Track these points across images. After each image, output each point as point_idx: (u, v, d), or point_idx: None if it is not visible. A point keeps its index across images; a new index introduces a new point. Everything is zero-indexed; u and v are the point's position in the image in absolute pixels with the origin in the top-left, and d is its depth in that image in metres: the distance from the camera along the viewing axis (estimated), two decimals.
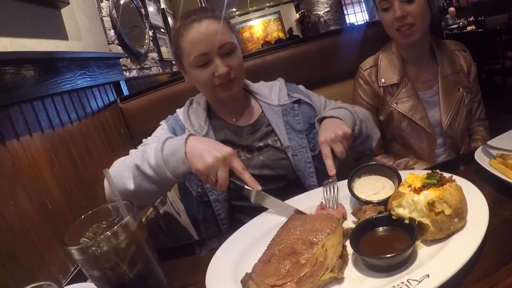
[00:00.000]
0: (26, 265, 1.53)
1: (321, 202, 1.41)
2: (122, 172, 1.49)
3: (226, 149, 1.40)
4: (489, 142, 1.51)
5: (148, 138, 1.82)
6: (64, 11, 2.53)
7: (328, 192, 1.43)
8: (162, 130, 1.84)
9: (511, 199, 1.22)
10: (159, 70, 5.17)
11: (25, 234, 1.57)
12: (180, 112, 1.89)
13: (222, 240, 1.34)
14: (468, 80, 2.23)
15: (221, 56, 1.66)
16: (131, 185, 1.46)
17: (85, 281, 1.32)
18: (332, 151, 1.53)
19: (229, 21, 1.75)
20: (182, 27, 1.67)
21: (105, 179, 1.52)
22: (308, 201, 1.47)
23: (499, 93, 6.33)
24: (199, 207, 1.80)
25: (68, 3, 2.51)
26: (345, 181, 1.41)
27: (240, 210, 1.74)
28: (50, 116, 1.91)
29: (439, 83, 2.18)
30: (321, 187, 1.49)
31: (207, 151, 1.38)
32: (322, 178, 1.64)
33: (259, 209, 1.47)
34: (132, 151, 1.69)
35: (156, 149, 1.44)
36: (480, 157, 1.43)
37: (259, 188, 1.40)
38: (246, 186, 1.41)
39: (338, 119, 1.68)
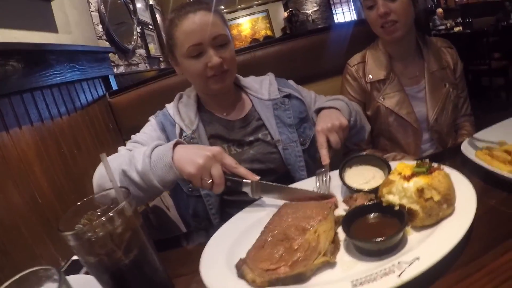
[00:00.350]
0: (16, 259, 1.52)
1: (313, 191, 1.42)
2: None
3: (215, 148, 1.38)
4: (475, 135, 1.56)
5: (137, 134, 1.81)
6: (54, 4, 2.53)
7: (321, 181, 1.45)
8: (151, 126, 1.83)
9: (496, 189, 1.26)
10: (146, 66, 5.15)
11: (14, 228, 1.57)
12: (169, 106, 1.89)
13: (212, 232, 1.34)
14: (454, 76, 2.27)
15: (215, 48, 1.66)
16: None
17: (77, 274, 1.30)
18: (328, 141, 1.55)
19: (223, 15, 1.76)
20: (176, 17, 1.68)
21: (98, 167, 1.54)
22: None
23: (485, 93, 6.43)
24: (190, 202, 1.79)
25: None
26: (337, 171, 1.44)
27: (232, 204, 1.73)
28: (39, 109, 1.90)
29: (425, 78, 2.21)
30: (314, 177, 1.51)
31: (195, 154, 1.35)
32: (312, 172, 1.67)
33: (250, 203, 1.47)
34: (120, 149, 1.68)
35: (144, 155, 1.41)
36: (466, 149, 1.47)
37: (257, 178, 1.40)
38: (243, 180, 1.40)
39: (335, 109, 1.70)
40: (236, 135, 1.82)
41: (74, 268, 1.36)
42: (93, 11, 3.54)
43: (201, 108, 1.88)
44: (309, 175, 1.77)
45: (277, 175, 1.79)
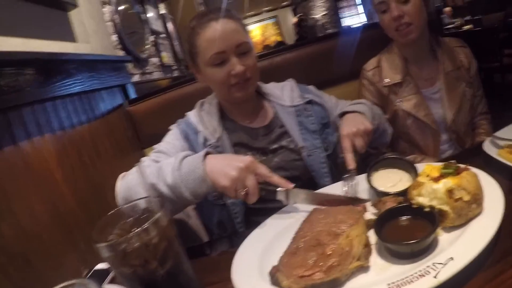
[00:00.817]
0: (38, 268, 1.52)
1: (346, 195, 1.43)
2: (136, 187, 1.43)
3: (247, 158, 1.36)
4: (496, 134, 1.56)
5: (160, 143, 1.79)
6: (72, 14, 2.56)
7: (348, 185, 1.46)
8: (173, 135, 1.81)
9: None
10: (160, 75, 5.18)
11: (37, 236, 1.56)
12: (191, 114, 1.87)
13: (237, 240, 1.34)
14: (469, 75, 2.26)
15: (238, 55, 1.65)
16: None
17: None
18: (353, 146, 1.56)
19: (243, 22, 1.76)
20: (197, 25, 1.67)
21: (123, 179, 1.55)
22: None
23: (498, 90, 6.38)
24: (214, 211, 1.78)
25: (76, 6, 2.53)
26: (363, 175, 1.45)
27: (257, 212, 1.68)
28: (61, 117, 1.91)
29: (441, 79, 2.21)
30: (340, 182, 1.52)
31: (228, 165, 1.33)
32: (335, 178, 1.70)
33: (275, 210, 1.48)
34: (144, 159, 1.66)
35: (173, 168, 1.39)
36: (488, 148, 1.48)
37: (292, 185, 1.40)
38: (278, 189, 1.40)
39: (359, 113, 1.72)
40: (260, 143, 1.81)
41: (97, 278, 1.37)
42: (107, 21, 3.57)
43: (224, 116, 1.86)
44: (333, 181, 1.77)
45: (302, 182, 1.75)
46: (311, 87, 2.08)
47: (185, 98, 2.40)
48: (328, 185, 1.70)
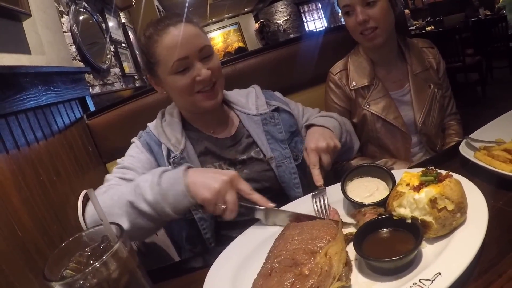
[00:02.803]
0: None
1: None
2: (111, 208, 1.34)
3: (230, 172, 1.33)
4: (471, 136, 1.52)
5: (123, 158, 1.70)
6: (26, 24, 2.43)
7: (318, 202, 1.39)
8: (137, 148, 1.72)
9: (501, 189, 1.23)
10: (122, 85, 5.07)
11: None
12: (152, 126, 1.79)
13: (209, 257, 1.28)
14: (438, 76, 2.25)
15: (201, 60, 1.58)
16: (124, 223, 1.32)
17: None
18: (319, 161, 1.51)
19: (201, 26, 1.68)
20: (155, 33, 1.58)
21: (81, 202, 1.45)
22: (299, 209, 1.41)
23: (462, 89, 6.52)
24: (183, 226, 1.71)
25: (30, 15, 2.41)
26: (337, 185, 1.39)
27: (227, 226, 1.65)
28: (15, 135, 1.80)
29: (409, 81, 2.18)
30: (310, 196, 1.44)
31: (211, 178, 1.30)
32: (306, 188, 1.65)
33: (246, 224, 1.41)
34: (108, 178, 1.58)
35: (152, 183, 1.33)
36: (464, 151, 1.44)
37: (272, 205, 1.35)
38: (256, 207, 1.34)
39: (328, 129, 1.67)
40: (227, 154, 1.73)
41: None
42: (65, 32, 3.45)
43: (187, 126, 1.78)
44: (304, 190, 1.72)
45: (272, 193, 1.67)
46: (277, 94, 2.01)
47: (147, 108, 2.32)
48: (299, 195, 1.66)
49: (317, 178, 1.46)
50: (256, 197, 1.33)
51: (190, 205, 1.33)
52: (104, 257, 0.83)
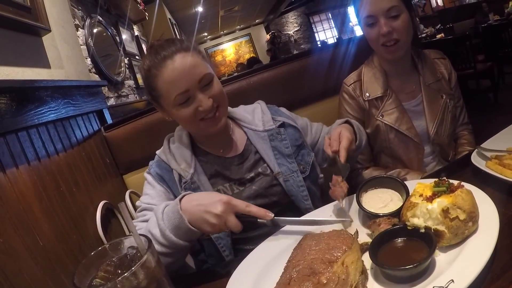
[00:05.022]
0: None
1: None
2: None
3: (221, 200, 1.33)
4: (482, 145, 1.55)
5: (141, 199, 1.72)
6: (46, 39, 2.48)
7: (342, 204, 1.41)
8: (149, 184, 1.74)
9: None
10: (136, 97, 5.11)
11: (16, 274, 1.48)
12: (161, 153, 1.81)
13: (228, 268, 1.31)
14: (450, 87, 2.26)
15: (202, 89, 1.58)
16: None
17: None
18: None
19: (199, 49, 1.68)
20: (153, 66, 1.58)
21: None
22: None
23: (473, 96, 6.49)
24: (202, 245, 1.75)
25: (49, 30, 2.45)
26: (352, 197, 1.42)
27: (244, 241, 1.68)
28: (36, 147, 1.84)
29: (422, 92, 2.20)
30: (328, 206, 1.49)
31: (205, 212, 1.32)
32: (316, 200, 1.70)
33: (262, 237, 1.44)
34: (135, 225, 1.57)
35: (161, 230, 1.38)
36: (476, 160, 1.46)
37: (271, 215, 1.35)
38: (258, 220, 1.36)
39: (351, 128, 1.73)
40: (236, 173, 1.76)
41: None
42: (81, 45, 3.51)
43: (195, 149, 1.79)
44: (314, 204, 1.74)
45: (281, 207, 1.73)
46: (282, 109, 2.03)
47: (162, 122, 2.35)
48: (308, 207, 1.70)
49: (343, 154, 1.46)
50: (254, 210, 1.35)
51: (199, 235, 1.39)
52: (133, 267, 0.86)
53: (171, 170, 1.72)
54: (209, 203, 1.33)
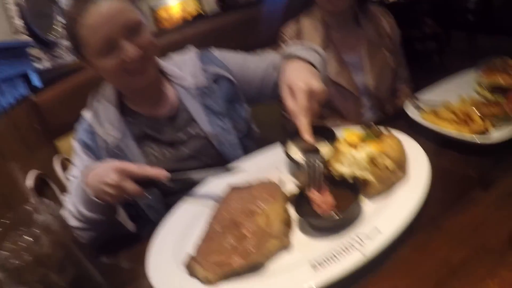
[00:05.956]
0: None
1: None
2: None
3: (113, 167, 1.25)
4: (418, 97, 1.55)
5: (71, 169, 1.63)
6: None
7: (310, 166, 1.15)
8: (76, 154, 1.63)
9: (446, 149, 1.25)
10: (73, 58, 4.87)
11: None
12: (87, 113, 1.66)
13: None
14: (391, 43, 2.24)
15: (128, 37, 1.42)
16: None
17: None
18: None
19: None
20: (75, 13, 1.41)
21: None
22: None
23: (419, 58, 6.61)
24: (132, 209, 1.68)
25: None
26: (278, 145, 1.36)
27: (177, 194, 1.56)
28: None
29: (363, 47, 2.17)
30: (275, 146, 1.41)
31: (101, 183, 1.25)
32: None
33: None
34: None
35: (74, 205, 1.36)
36: (410, 111, 1.46)
37: (167, 174, 1.28)
38: (157, 181, 1.30)
39: (315, 68, 1.42)
40: (167, 135, 1.64)
41: None
42: (8, 4, 3.27)
43: (124, 108, 1.65)
44: None
45: None
46: (214, 52, 1.81)
47: (96, 80, 2.22)
48: None
49: (307, 131, 1.16)
50: (149, 171, 1.28)
51: (112, 207, 1.38)
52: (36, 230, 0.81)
53: (95, 135, 1.60)
54: (103, 173, 1.26)
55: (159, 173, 1.26)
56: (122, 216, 1.78)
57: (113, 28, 1.38)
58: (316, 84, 1.22)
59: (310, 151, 1.16)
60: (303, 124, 1.16)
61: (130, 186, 1.24)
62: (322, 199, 1.00)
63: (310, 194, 1.03)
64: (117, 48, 1.40)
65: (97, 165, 1.33)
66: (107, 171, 1.24)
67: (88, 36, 1.40)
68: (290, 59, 1.45)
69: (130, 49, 1.40)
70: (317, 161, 1.12)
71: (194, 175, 1.32)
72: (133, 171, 1.24)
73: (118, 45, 1.40)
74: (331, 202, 1.00)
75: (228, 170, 1.28)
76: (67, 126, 1.71)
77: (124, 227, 1.75)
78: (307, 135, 1.15)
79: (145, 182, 1.26)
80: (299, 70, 1.35)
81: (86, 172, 1.33)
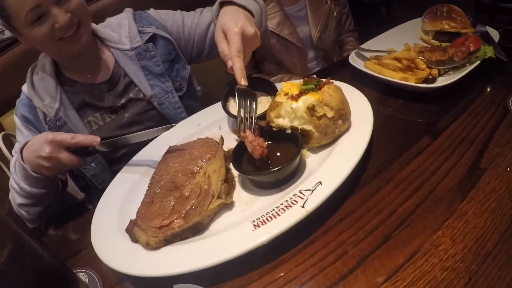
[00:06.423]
0: None
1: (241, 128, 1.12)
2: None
3: (46, 140, 1.21)
4: (362, 46, 1.53)
5: (16, 145, 1.55)
6: None
7: (244, 111, 1.14)
8: (18, 129, 1.58)
9: (390, 97, 1.25)
10: (9, 33, 4.61)
11: None
12: (25, 87, 1.58)
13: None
14: None
15: (57, 3, 1.34)
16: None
17: None
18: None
19: None
20: None
21: None
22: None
23: (366, 9, 6.61)
24: (81, 181, 1.67)
25: None
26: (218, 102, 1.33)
27: (119, 160, 1.56)
28: None
29: None
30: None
31: (37, 157, 1.23)
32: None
33: (133, 153, 1.36)
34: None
35: (16, 182, 1.35)
36: (354, 60, 1.44)
37: (98, 139, 1.23)
38: (89, 148, 1.25)
39: (249, 12, 1.36)
40: (106, 101, 1.59)
41: None
42: None
43: (61, 77, 1.58)
44: None
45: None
46: (151, 12, 1.74)
47: (34, 51, 2.11)
48: None
49: (242, 73, 1.12)
50: (80, 139, 1.23)
51: (51, 179, 1.36)
52: None
53: (34, 108, 1.54)
54: (37, 147, 1.24)
55: (90, 139, 1.22)
56: (71, 186, 1.74)
57: None
58: (250, 28, 1.18)
59: (245, 94, 1.12)
60: (237, 67, 1.11)
61: (65, 156, 1.21)
62: (255, 140, 0.96)
63: (243, 135, 0.99)
64: (47, 15, 1.33)
65: (32, 140, 1.29)
66: (41, 145, 1.21)
67: (16, 6, 1.31)
68: (225, 5, 1.39)
69: (60, 15, 1.33)
70: (251, 103, 1.10)
71: (128, 137, 1.26)
72: (65, 141, 1.20)
73: (48, 13, 1.32)
74: (263, 144, 0.96)
75: (164, 129, 1.22)
76: (9, 102, 1.62)
77: (73, 198, 1.71)
78: (241, 77, 1.11)
79: (80, 151, 1.23)
80: (233, 14, 1.30)
81: (22, 148, 1.30)
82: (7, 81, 2.17)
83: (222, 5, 1.40)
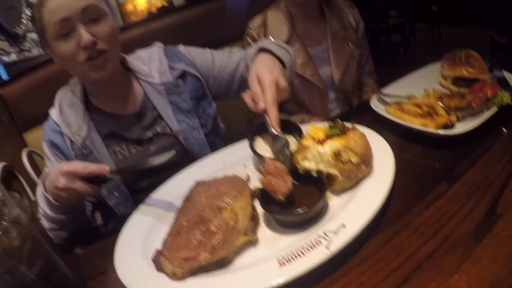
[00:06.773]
0: None
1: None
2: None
3: (61, 171, 1.24)
4: (383, 91, 1.57)
5: (44, 169, 1.65)
6: None
7: (279, 153, 1.21)
8: (46, 156, 1.63)
9: (409, 142, 1.28)
10: (40, 51, 4.76)
11: None
12: (53, 112, 1.62)
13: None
14: (356, 35, 2.26)
15: (86, 23, 1.40)
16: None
17: None
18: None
19: None
20: None
21: None
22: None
23: (384, 50, 6.66)
24: (104, 210, 1.69)
25: None
26: (245, 141, 1.37)
27: (142, 192, 1.54)
28: None
29: (328, 39, 2.19)
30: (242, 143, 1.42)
31: (55, 188, 1.27)
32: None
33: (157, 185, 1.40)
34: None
35: (42, 209, 1.38)
36: (376, 105, 1.47)
37: (107, 168, 1.26)
38: (106, 176, 1.27)
39: (281, 64, 1.42)
40: (133, 133, 1.63)
41: None
42: None
43: (90, 105, 1.62)
44: None
45: (183, 166, 1.54)
46: (181, 49, 1.80)
47: (63, 73, 2.18)
48: None
49: (276, 122, 1.18)
50: (92, 168, 1.25)
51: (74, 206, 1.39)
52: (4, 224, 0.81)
53: (62, 135, 1.58)
54: (54, 178, 1.27)
55: (101, 168, 1.25)
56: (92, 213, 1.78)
57: (71, 10, 1.36)
58: (283, 81, 1.24)
59: (279, 141, 1.19)
60: (273, 116, 1.17)
61: (79, 186, 1.23)
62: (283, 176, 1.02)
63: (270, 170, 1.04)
64: (73, 32, 1.39)
65: (51, 170, 1.34)
66: (57, 176, 1.25)
67: (48, 17, 1.38)
68: (262, 52, 1.46)
69: (84, 34, 1.38)
70: (286, 149, 1.17)
71: (137, 164, 1.33)
72: (79, 172, 1.23)
73: (74, 29, 1.38)
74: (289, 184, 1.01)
75: (172, 154, 1.23)
76: (35, 119, 1.68)
77: (94, 222, 1.75)
78: (276, 125, 1.17)
79: (95, 179, 1.25)
80: (269, 64, 1.36)
81: (43, 179, 1.35)
82: (32, 100, 2.25)
83: (260, 50, 1.48)
